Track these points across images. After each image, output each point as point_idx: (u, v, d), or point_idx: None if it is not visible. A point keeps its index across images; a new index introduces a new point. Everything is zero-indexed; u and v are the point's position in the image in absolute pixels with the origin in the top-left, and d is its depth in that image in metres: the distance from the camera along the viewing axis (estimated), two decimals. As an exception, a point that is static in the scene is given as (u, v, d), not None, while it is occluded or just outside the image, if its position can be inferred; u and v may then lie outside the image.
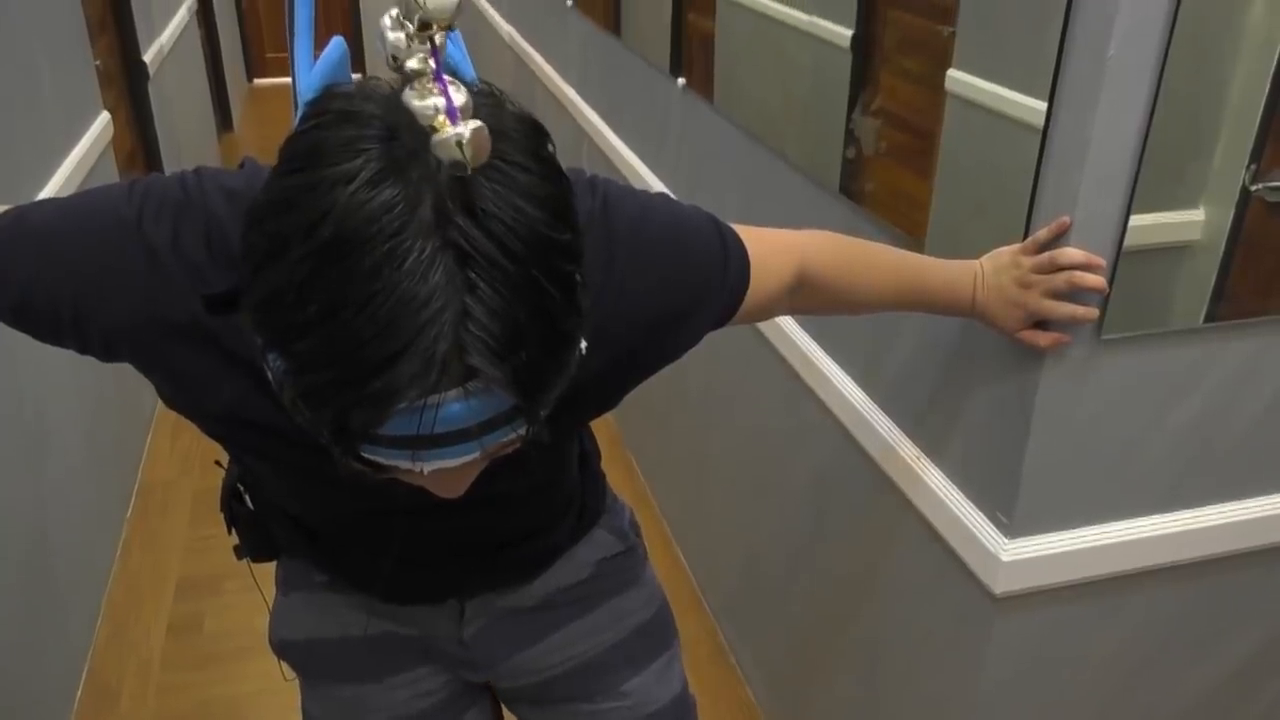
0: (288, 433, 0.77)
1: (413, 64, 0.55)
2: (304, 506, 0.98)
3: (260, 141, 5.64)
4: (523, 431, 0.60)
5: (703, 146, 1.98)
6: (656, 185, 2.25)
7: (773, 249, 0.93)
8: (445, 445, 0.58)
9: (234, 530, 1.07)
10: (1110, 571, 1.17)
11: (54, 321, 0.76)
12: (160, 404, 0.79)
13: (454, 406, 0.55)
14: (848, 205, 1.41)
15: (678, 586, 2.29)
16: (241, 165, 0.79)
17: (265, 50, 6.62)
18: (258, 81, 6.65)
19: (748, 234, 0.90)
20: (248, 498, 1.04)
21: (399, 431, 0.56)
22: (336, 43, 0.64)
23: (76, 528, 2.13)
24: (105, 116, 2.64)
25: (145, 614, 2.24)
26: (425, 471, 0.60)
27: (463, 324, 0.53)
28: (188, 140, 4.06)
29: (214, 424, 0.83)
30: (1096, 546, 1.15)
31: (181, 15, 4.18)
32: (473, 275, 0.53)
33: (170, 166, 3.55)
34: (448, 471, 0.62)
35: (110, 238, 0.74)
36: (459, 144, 0.53)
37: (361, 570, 1.01)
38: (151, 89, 3.37)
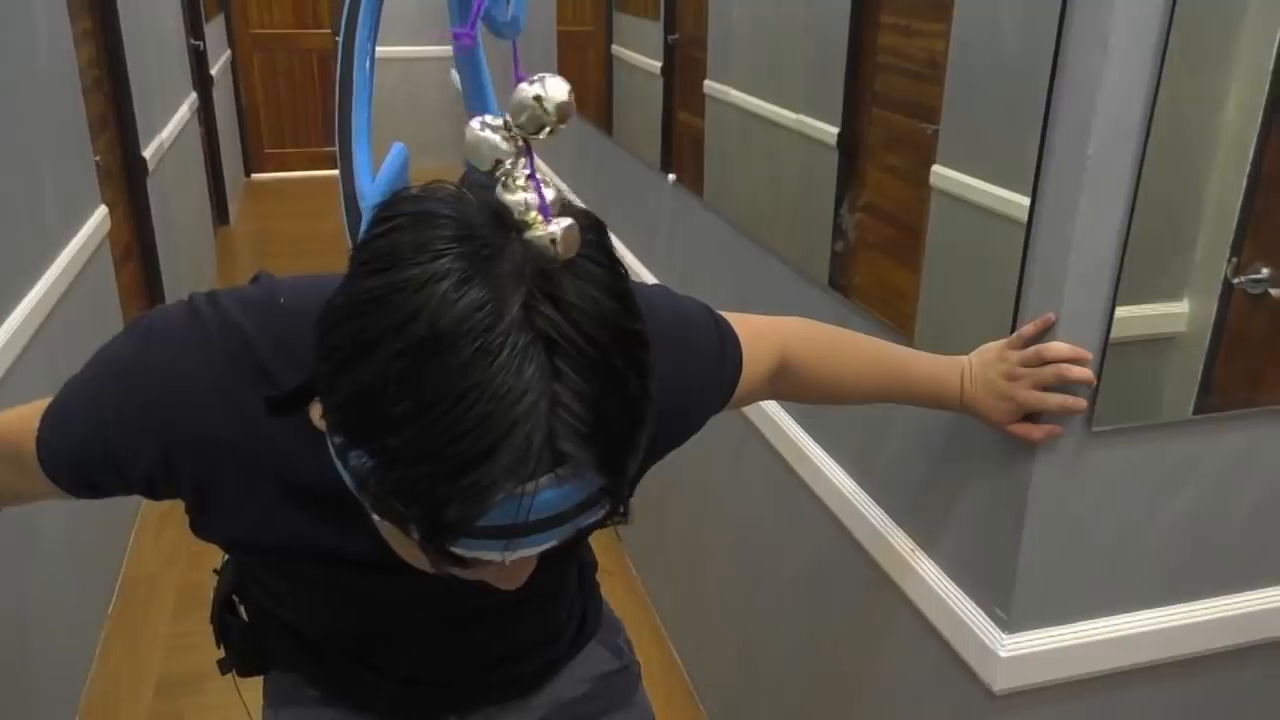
0: (312, 549, 0.77)
1: (509, 164, 0.58)
2: (317, 622, 0.95)
3: (257, 235, 5.70)
4: (608, 510, 0.61)
5: (693, 241, 2.01)
6: (648, 279, 2.27)
7: (758, 335, 0.95)
8: (539, 532, 0.58)
9: (223, 644, 1.04)
10: (1110, 668, 1.15)
11: (98, 479, 0.78)
12: (146, 498, 0.80)
13: (548, 493, 0.56)
14: (837, 299, 1.42)
15: (671, 683, 2.24)
16: (255, 279, 0.80)
17: (264, 146, 6.74)
18: (255, 176, 6.75)
19: (735, 320, 0.93)
20: (242, 609, 1.02)
21: (495, 522, 0.57)
22: (399, 149, 0.66)
23: (56, 622, 2.08)
24: (103, 211, 2.67)
25: (124, 713, 2.18)
26: (508, 561, 0.61)
27: (553, 412, 0.55)
28: (184, 234, 4.10)
29: (239, 545, 0.83)
30: (1095, 641, 1.13)
31: (183, 112, 4.26)
32: (559, 363, 0.55)
33: (166, 260, 3.57)
34: (520, 560, 0.62)
35: (116, 385, 0.75)
36: (553, 240, 0.56)
37: (365, 687, 0.98)
38: (150, 184, 3.42)
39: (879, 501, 1.36)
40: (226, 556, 1.01)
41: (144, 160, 3.36)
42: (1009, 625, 1.11)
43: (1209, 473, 1.10)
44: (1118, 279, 0.98)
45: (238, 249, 5.41)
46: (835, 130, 1.41)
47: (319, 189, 6.53)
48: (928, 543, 1.26)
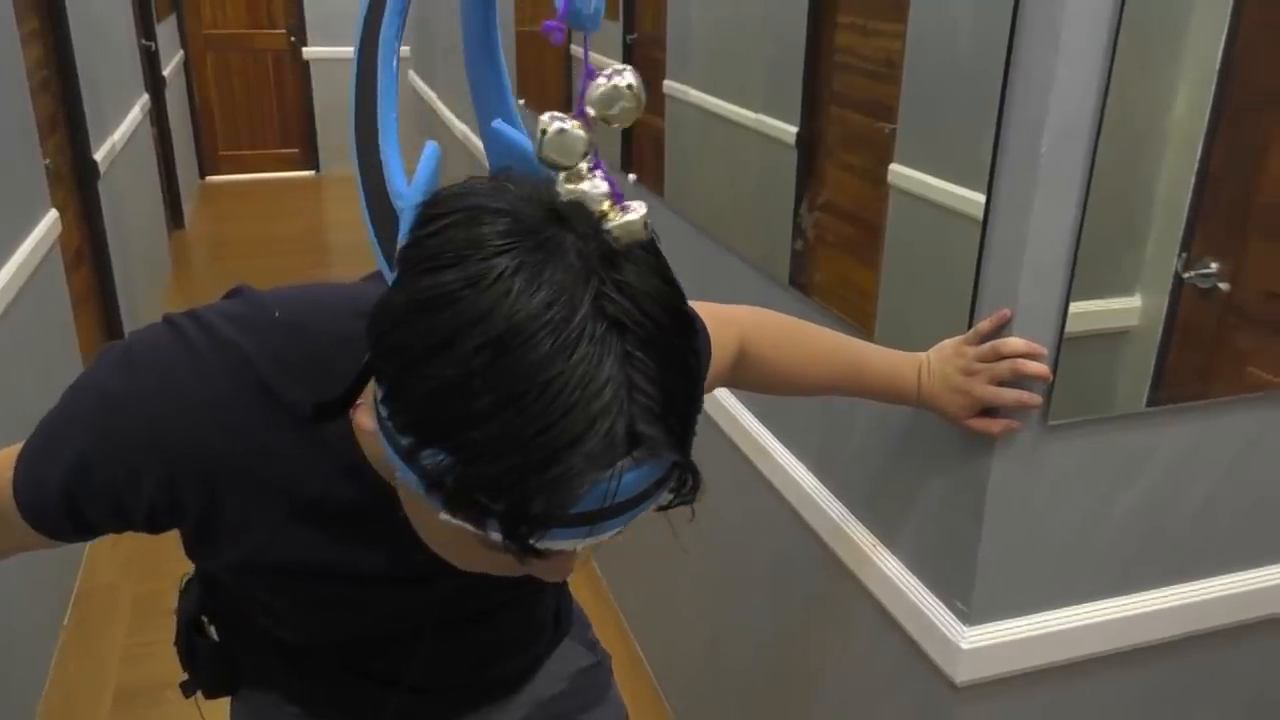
0: (321, 565, 0.77)
1: (582, 161, 0.60)
2: (321, 637, 0.93)
3: (212, 239, 5.63)
4: (678, 485, 0.62)
5: (654, 240, 2.01)
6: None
7: (721, 323, 0.96)
8: (620, 515, 0.59)
9: (189, 667, 1.00)
10: (1070, 657, 1.17)
11: (91, 515, 0.74)
12: (145, 532, 0.77)
13: (630, 475, 0.57)
14: (797, 296, 1.43)
15: (636, 679, 2.24)
16: (237, 293, 0.77)
17: (219, 148, 6.66)
18: (210, 179, 6.66)
19: (697, 308, 0.93)
20: (212, 629, 0.98)
21: (581, 509, 0.57)
22: (433, 149, 0.66)
23: (11, 636, 2.04)
24: (53, 215, 2.63)
25: (81, 726, 2.15)
26: (580, 549, 0.61)
27: (631, 397, 0.56)
28: (138, 238, 4.04)
29: (244, 567, 0.81)
30: (1056, 632, 1.14)
31: (135, 114, 4.20)
32: (630, 348, 0.56)
33: (119, 265, 3.52)
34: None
35: (103, 413, 0.72)
36: (645, 223, 0.58)
37: (367, 699, 0.96)
38: (102, 187, 3.36)
39: (839, 497, 1.37)
40: (189, 577, 0.99)
41: (95, 163, 3.30)
42: (970, 618, 1.13)
43: (1162, 464, 1.12)
44: (1072, 274, 0.99)
45: (193, 253, 5.34)
46: (794, 129, 1.42)
47: (276, 191, 6.46)
48: (888, 537, 1.27)
